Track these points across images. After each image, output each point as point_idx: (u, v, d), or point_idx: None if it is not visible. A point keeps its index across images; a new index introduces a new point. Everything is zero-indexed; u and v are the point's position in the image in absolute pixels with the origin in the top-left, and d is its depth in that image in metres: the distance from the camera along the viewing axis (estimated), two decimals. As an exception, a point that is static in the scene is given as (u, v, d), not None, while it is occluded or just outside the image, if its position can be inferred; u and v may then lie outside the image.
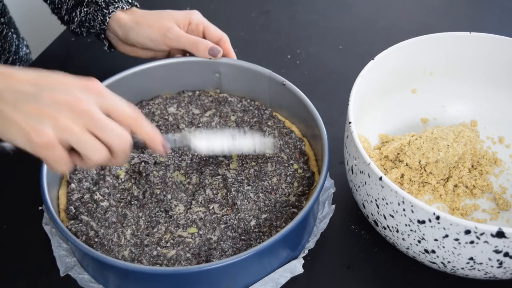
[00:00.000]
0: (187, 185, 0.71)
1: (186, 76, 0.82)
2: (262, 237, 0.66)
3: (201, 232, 0.66)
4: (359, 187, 0.65)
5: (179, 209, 0.69)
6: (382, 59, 0.73)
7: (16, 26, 0.99)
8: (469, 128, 0.76)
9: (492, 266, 0.58)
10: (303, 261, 0.67)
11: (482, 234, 0.55)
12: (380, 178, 0.59)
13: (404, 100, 0.81)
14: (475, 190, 0.73)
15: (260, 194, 0.70)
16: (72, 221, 0.67)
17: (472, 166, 0.76)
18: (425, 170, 0.72)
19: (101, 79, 0.68)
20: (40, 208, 0.73)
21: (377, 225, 0.65)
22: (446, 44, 0.77)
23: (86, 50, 0.98)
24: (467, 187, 0.74)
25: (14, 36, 0.95)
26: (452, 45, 0.78)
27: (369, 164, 0.60)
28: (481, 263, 0.58)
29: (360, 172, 0.63)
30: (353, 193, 0.69)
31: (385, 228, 0.64)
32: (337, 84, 0.91)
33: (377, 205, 0.62)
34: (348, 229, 0.72)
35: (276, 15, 1.06)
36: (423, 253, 0.61)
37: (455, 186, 0.73)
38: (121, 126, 0.55)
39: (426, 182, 0.73)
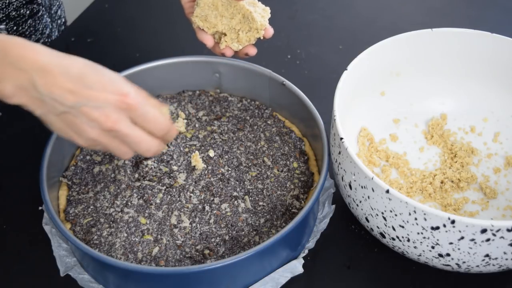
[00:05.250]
0: (187, 186, 0.71)
1: (186, 76, 0.82)
2: (262, 237, 0.66)
3: (200, 231, 0.66)
4: (360, 201, 0.63)
5: (176, 210, 0.69)
6: (356, 66, 0.72)
7: (52, 13, 0.99)
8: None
9: (506, 259, 0.58)
10: (303, 261, 0.67)
11: (498, 230, 0.55)
12: (387, 191, 0.58)
13: (375, 103, 0.80)
14: (461, 183, 0.74)
15: (260, 194, 0.70)
16: (72, 221, 0.67)
17: (452, 159, 0.76)
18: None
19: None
20: (40, 208, 0.73)
21: (384, 237, 0.64)
22: (410, 44, 0.77)
23: (85, 50, 0.98)
24: (452, 181, 0.74)
25: (48, 19, 0.95)
26: (413, 44, 0.77)
27: (372, 178, 0.59)
28: (496, 258, 0.58)
29: (362, 187, 0.62)
30: (352, 208, 0.67)
31: (393, 239, 0.62)
32: (337, 84, 0.91)
33: (384, 218, 0.61)
34: (348, 229, 0.72)
35: (276, 15, 1.06)
36: (437, 258, 0.61)
37: (442, 182, 0.74)
38: (149, 135, 0.58)
39: (413, 183, 0.74)
